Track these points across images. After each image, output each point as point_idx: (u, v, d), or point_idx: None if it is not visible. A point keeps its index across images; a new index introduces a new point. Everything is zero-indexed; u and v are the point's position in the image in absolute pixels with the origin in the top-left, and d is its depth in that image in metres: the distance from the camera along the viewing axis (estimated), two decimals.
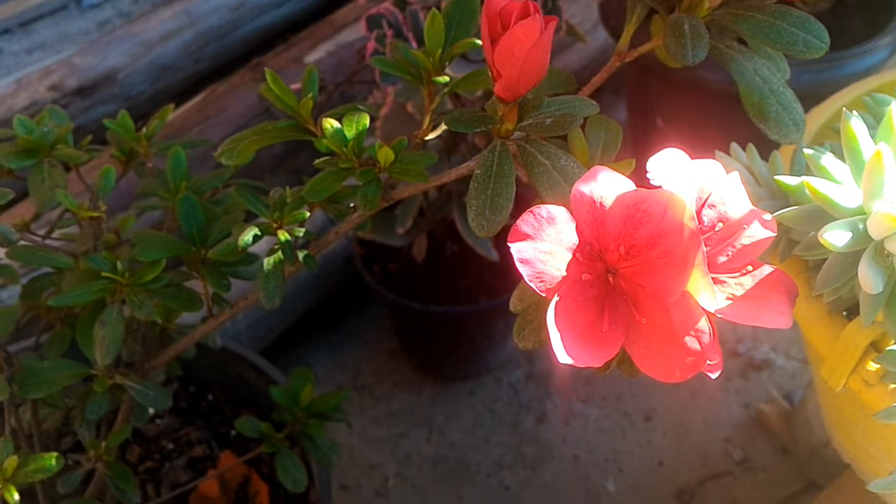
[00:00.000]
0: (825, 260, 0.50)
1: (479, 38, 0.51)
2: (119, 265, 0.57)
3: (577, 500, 1.13)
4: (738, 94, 0.53)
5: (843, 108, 0.47)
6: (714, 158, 0.58)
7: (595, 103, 0.49)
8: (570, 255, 0.44)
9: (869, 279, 0.43)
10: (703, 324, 0.43)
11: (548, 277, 0.44)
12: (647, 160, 0.48)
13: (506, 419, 1.21)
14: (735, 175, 0.46)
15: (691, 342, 0.43)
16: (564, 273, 0.44)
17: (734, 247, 0.46)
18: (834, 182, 0.47)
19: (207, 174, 0.65)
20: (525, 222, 0.43)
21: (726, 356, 1.26)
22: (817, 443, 1.03)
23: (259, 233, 0.55)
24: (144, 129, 0.67)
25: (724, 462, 1.15)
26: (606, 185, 0.44)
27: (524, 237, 0.43)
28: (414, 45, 0.89)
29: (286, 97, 0.55)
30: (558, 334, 0.42)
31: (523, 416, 1.22)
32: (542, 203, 0.45)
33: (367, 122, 0.54)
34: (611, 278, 0.45)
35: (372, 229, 1.11)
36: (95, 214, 0.59)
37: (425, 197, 1.11)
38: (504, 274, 1.14)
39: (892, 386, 0.52)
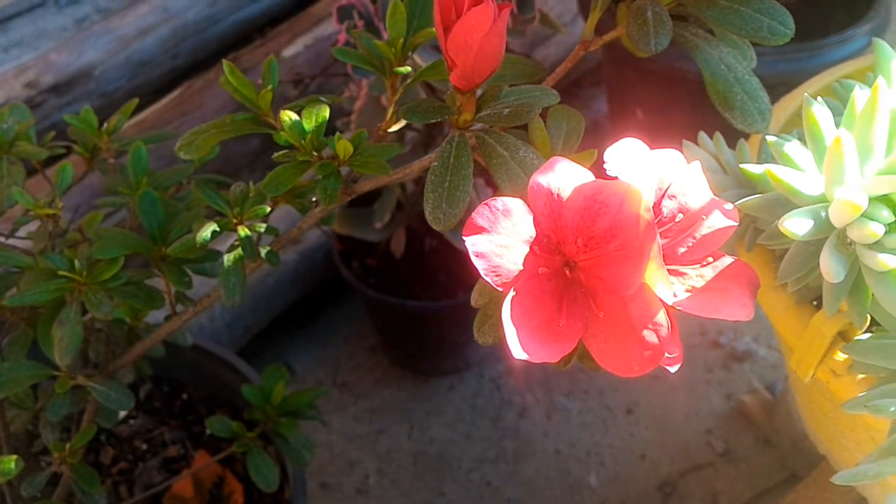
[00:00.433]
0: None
1: None
2: (77, 264, 0.56)
3: (558, 494, 1.12)
4: None
5: (805, 95, 0.47)
6: (682, 147, 0.58)
7: (555, 93, 0.48)
8: (526, 249, 0.43)
9: (830, 268, 0.42)
10: (662, 317, 0.42)
11: (504, 271, 0.43)
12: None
13: (487, 414, 1.21)
14: (696, 165, 0.46)
15: (649, 336, 0.42)
16: (521, 267, 0.43)
17: (694, 237, 0.45)
18: (797, 170, 0.46)
19: (170, 169, 0.64)
20: (480, 215, 0.42)
21: (708, 347, 1.26)
22: (798, 434, 1.02)
23: (217, 228, 0.54)
24: (105, 125, 0.66)
25: (706, 454, 1.15)
26: (564, 176, 0.44)
27: (479, 230, 0.43)
28: (385, 35, 0.88)
29: (244, 89, 0.54)
30: (514, 329, 0.42)
31: (505, 410, 1.21)
32: (502, 195, 0.44)
33: (327, 114, 0.53)
34: (569, 272, 0.45)
35: (349, 224, 1.10)
36: (51, 212, 0.58)
37: (403, 191, 1.10)
38: None
39: (861, 376, 0.51)
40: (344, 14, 0.89)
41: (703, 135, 0.59)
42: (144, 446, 0.91)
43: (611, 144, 0.46)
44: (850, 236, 0.42)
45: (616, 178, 0.43)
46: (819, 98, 0.48)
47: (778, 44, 0.50)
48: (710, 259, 0.45)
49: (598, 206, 0.43)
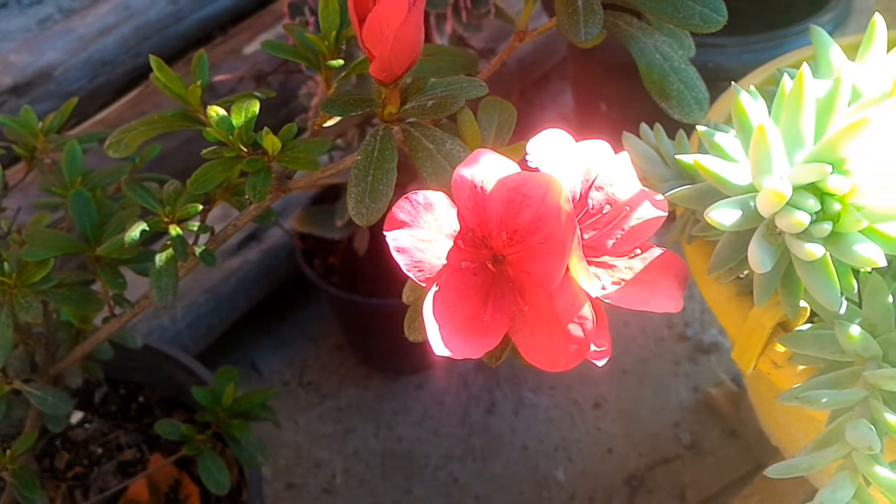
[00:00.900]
0: None
1: None
2: (7, 266, 0.55)
3: (526, 490, 1.12)
4: None
5: (733, 83, 0.46)
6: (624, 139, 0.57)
7: (483, 84, 0.48)
8: (450, 243, 0.43)
9: (757, 258, 0.41)
10: (587, 310, 0.41)
11: (427, 266, 0.42)
12: None
13: (455, 411, 1.20)
14: (624, 156, 0.45)
15: (575, 329, 0.41)
16: (445, 261, 0.42)
17: (623, 229, 0.44)
18: (728, 160, 0.46)
19: (106, 169, 0.63)
20: (401, 209, 0.42)
21: (675, 340, 1.25)
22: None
23: (147, 228, 0.53)
24: (40, 125, 0.65)
25: (674, 446, 1.15)
26: (489, 169, 0.43)
27: (400, 225, 0.42)
28: None
29: (173, 85, 0.53)
30: (435, 325, 0.41)
31: (472, 407, 1.21)
32: (428, 189, 0.43)
33: (256, 109, 0.52)
34: (497, 265, 0.44)
35: (310, 222, 1.09)
36: None
37: None
38: None
39: (801, 367, 0.51)
40: (295, 10, 0.88)
41: (644, 126, 0.58)
42: (100, 450, 0.89)
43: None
44: (778, 226, 0.41)
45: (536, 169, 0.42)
46: (752, 86, 0.48)
47: (710, 31, 0.50)
48: (639, 251, 0.44)
49: (522, 199, 0.42)
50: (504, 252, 0.44)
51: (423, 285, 0.42)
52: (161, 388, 0.93)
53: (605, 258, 0.44)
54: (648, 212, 0.44)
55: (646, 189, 0.45)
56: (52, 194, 0.63)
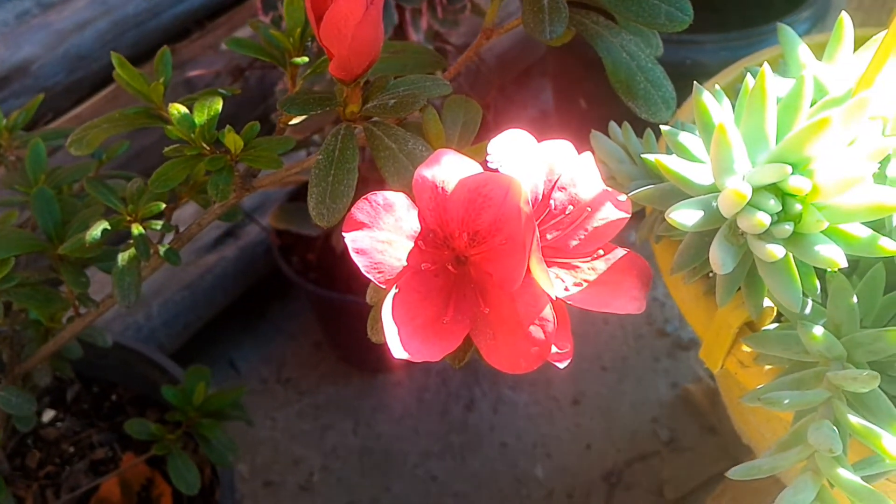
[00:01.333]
0: None
1: None
2: None
3: (505, 487, 1.12)
4: None
5: (695, 83, 0.46)
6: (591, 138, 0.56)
7: (447, 83, 0.47)
8: (411, 244, 0.42)
9: (719, 258, 0.41)
10: (548, 312, 0.41)
11: (386, 268, 0.42)
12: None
13: (434, 408, 1.20)
14: (587, 155, 0.45)
15: (536, 331, 0.41)
16: (405, 263, 0.42)
17: (586, 230, 0.44)
18: (693, 159, 0.45)
19: (71, 166, 0.62)
20: (360, 210, 0.41)
21: (654, 336, 1.25)
22: None
23: (108, 227, 0.52)
24: (5, 121, 0.64)
25: (652, 442, 1.15)
26: (450, 169, 0.42)
27: (360, 226, 0.41)
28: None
29: (135, 82, 0.53)
30: (395, 328, 0.40)
31: (452, 404, 1.20)
32: (390, 189, 0.43)
33: (220, 106, 0.51)
34: (459, 267, 0.43)
35: (286, 219, 1.08)
36: None
37: None
38: None
39: (767, 367, 0.51)
40: (268, 5, 0.87)
41: (613, 124, 0.58)
42: (72, 449, 0.88)
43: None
44: (740, 226, 0.41)
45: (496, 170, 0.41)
46: (717, 86, 0.47)
47: (676, 30, 0.49)
48: (602, 251, 0.44)
49: (483, 200, 0.41)
50: (466, 253, 0.43)
51: (384, 287, 0.42)
52: (134, 386, 0.92)
53: (568, 259, 0.44)
54: (611, 212, 0.44)
55: (609, 189, 0.44)
56: (16, 192, 0.63)
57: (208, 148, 0.50)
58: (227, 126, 0.49)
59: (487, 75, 1.12)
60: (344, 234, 0.41)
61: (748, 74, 0.43)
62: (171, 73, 1.31)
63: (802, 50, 0.52)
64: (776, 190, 0.41)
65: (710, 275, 0.52)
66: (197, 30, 1.43)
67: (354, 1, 0.39)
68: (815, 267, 0.42)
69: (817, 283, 0.45)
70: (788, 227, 0.40)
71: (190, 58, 1.30)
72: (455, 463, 1.14)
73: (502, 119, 1.15)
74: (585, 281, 0.43)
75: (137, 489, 0.86)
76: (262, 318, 1.29)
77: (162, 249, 0.55)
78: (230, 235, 1.19)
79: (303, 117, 0.55)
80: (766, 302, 0.49)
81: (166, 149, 0.51)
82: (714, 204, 0.42)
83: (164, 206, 0.53)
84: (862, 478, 0.43)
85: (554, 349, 0.42)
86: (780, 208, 0.40)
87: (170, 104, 0.51)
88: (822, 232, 0.40)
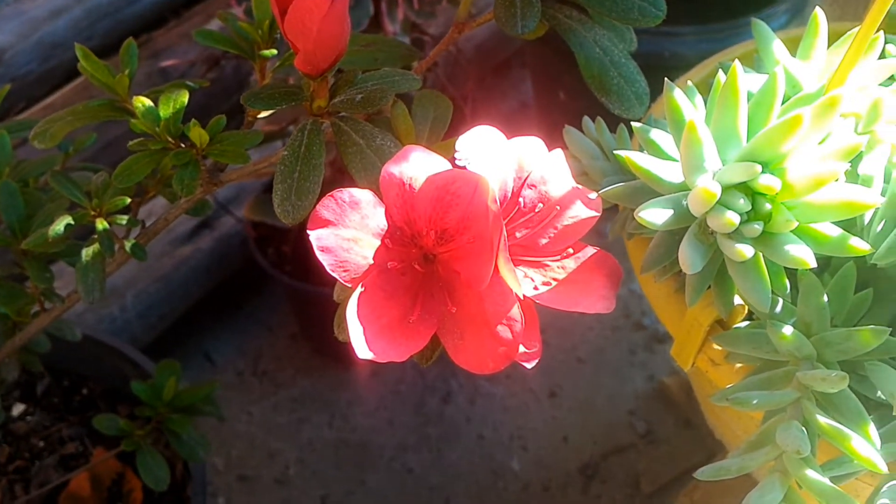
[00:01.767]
0: None
1: None
2: None
3: (481, 479, 1.12)
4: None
5: (666, 79, 0.45)
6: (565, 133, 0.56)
7: (417, 77, 0.46)
8: (377, 242, 0.42)
9: (688, 258, 0.41)
10: (516, 311, 0.40)
11: (352, 266, 0.41)
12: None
13: (410, 400, 1.19)
14: (558, 153, 0.44)
15: (503, 331, 0.40)
16: (371, 261, 0.41)
17: (556, 228, 0.43)
18: (664, 157, 0.45)
19: (37, 159, 0.61)
20: (325, 207, 0.40)
21: (631, 329, 1.25)
22: None
23: (72, 222, 0.51)
24: None
25: (628, 435, 1.15)
26: (418, 166, 0.42)
27: (325, 223, 0.41)
28: None
29: (100, 74, 0.52)
30: (359, 328, 0.40)
31: (428, 396, 1.20)
32: (358, 186, 0.42)
33: (185, 99, 0.50)
34: (422, 266, 0.43)
35: (261, 211, 1.07)
36: None
37: None
38: None
39: (738, 366, 0.50)
40: None
41: (587, 120, 0.57)
42: (42, 444, 0.87)
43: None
44: (710, 225, 0.41)
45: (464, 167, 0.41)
46: (689, 82, 0.47)
47: (649, 26, 0.49)
48: (572, 250, 0.43)
49: (451, 197, 0.41)
50: (433, 252, 0.42)
51: (349, 286, 0.41)
52: (105, 380, 0.91)
53: (538, 257, 0.43)
54: (582, 210, 0.43)
55: (580, 187, 0.44)
56: None
57: (173, 142, 0.49)
58: (193, 120, 0.48)
59: (465, 66, 1.11)
60: (308, 231, 0.40)
61: (720, 70, 0.43)
62: (147, 62, 1.30)
63: (777, 45, 0.51)
64: (746, 189, 0.40)
65: (681, 273, 0.52)
66: (173, 18, 1.41)
67: None
68: (788, 266, 0.42)
69: (787, 282, 0.44)
70: (758, 227, 0.40)
71: (166, 47, 1.28)
72: (431, 455, 1.14)
73: (480, 111, 1.14)
74: (555, 280, 0.43)
75: (108, 484, 0.85)
76: (238, 310, 1.28)
77: (128, 245, 0.54)
78: (205, 227, 1.18)
79: (273, 111, 0.54)
80: (738, 300, 0.48)
81: (131, 143, 0.50)
82: (684, 202, 0.42)
83: (129, 200, 0.52)
84: (831, 478, 0.43)
85: (522, 349, 0.42)
86: (750, 207, 0.40)
87: (134, 97, 0.50)
88: (792, 231, 0.40)
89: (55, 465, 0.86)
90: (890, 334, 0.44)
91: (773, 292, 0.43)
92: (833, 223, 0.42)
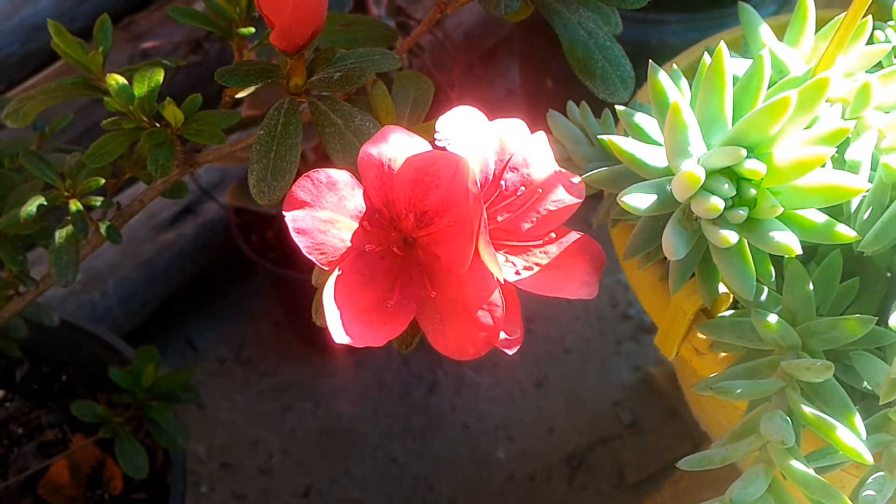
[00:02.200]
0: None
1: None
2: None
3: (465, 469, 1.11)
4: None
5: (651, 62, 0.44)
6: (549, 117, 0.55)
7: (397, 56, 0.45)
8: (355, 224, 0.41)
9: (671, 244, 0.40)
10: (497, 297, 0.39)
11: (329, 249, 0.40)
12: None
13: (395, 390, 1.18)
14: (540, 135, 0.43)
15: (484, 316, 0.39)
16: (349, 244, 0.40)
17: (538, 212, 0.43)
18: (649, 141, 0.44)
19: (9, 140, 0.60)
20: (301, 188, 0.39)
21: (618, 319, 1.25)
22: None
23: (45, 202, 0.50)
24: None
25: (614, 426, 1.14)
26: (397, 147, 0.41)
27: (301, 205, 0.40)
28: None
29: (73, 52, 0.50)
30: (336, 312, 0.39)
31: (413, 385, 1.19)
32: (336, 167, 0.41)
33: (161, 78, 0.49)
34: (406, 249, 0.42)
35: (244, 196, 1.05)
36: None
37: (304, 160, 1.06)
38: None
39: (722, 355, 0.50)
40: None
41: (571, 104, 0.56)
42: (20, 430, 0.86)
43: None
44: (694, 210, 0.40)
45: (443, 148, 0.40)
46: (675, 66, 0.46)
47: (635, 8, 0.48)
48: (555, 235, 0.43)
49: (430, 179, 0.40)
50: (413, 235, 0.42)
51: (326, 269, 0.40)
52: (85, 366, 0.90)
53: (520, 242, 0.42)
54: (564, 195, 0.42)
55: (562, 170, 0.43)
56: None
57: (147, 121, 0.48)
58: (168, 98, 0.47)
59: (453, 53, 1.10)
60: (284, 212, 0.39)
61: (705, 53, 0.42)
62: (129, 44, 1.27)
63: (764, 30, 0.51)
64: (731, 174, 0.39)
65: (666, 260, 0.51)
66: (157, 0, 1.39)
67: None
68: (773, 253, 0.41)
69: (772, 269, 0.44)
70: (743, 212, 0.39)
71: (149, 28, 1.26)
72: (416, 445, 1.13)
73: (467, 97, 1.13)
74: (537, 265, 0.42)
75: (87, 472, 0.84)
76: (221, 297, 1.27)
77: (103, 227, 0.53)
78: (188, 212, 1.17)
79: (250, 90, 0.53)
80: (723, 288, 0.48)
81: (104, 121, 0.48)
82: (668, 188, 0.41)
83: (103, 181, 0.51)
84: (816, 469, 0.42)
85: (503, 335, 0.41)
86: (735, 193, 0.39)
87: (108, 74, 0.48)
88: (777, 217, 0.39)
89: (34, 452, 0.85)
90: (877, 323, 0.44)
91: (757, 280, 0.42)
92: (819, 211, 0.42)
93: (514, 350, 0.41)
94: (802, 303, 0.45)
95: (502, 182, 0.42)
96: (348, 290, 0.40)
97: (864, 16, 0.45)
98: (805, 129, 0.41)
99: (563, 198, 0.43)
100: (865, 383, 0.45)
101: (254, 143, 0.42)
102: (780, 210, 0.38)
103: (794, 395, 0.42)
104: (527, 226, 0.43)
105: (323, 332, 1.21)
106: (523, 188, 0.42)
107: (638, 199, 0.40)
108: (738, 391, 0.42)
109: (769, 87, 0.43)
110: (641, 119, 0.44)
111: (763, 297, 0.46)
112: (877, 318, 0.43)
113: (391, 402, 1.17)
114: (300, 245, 0.40)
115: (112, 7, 1.46)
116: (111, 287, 1.11)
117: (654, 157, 0.42)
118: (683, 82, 0.47)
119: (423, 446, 1.13)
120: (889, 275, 0.49)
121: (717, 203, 0.38)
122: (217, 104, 0.61)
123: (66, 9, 1.42)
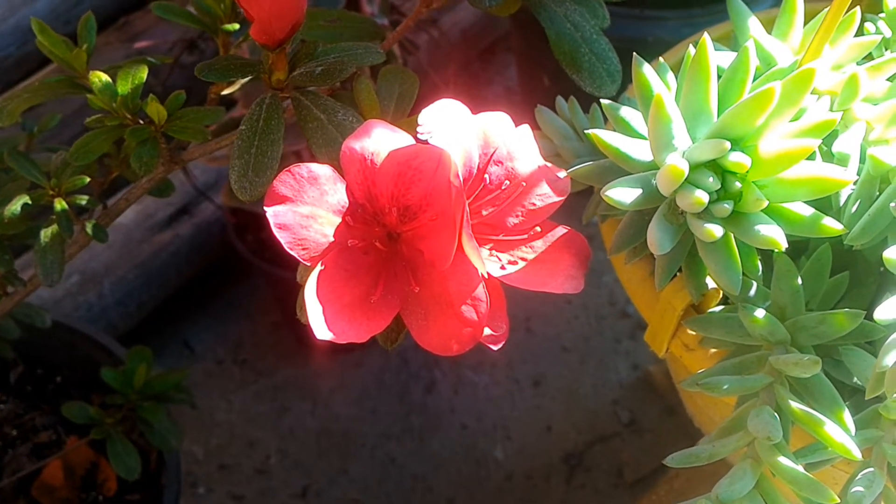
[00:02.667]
0: None
1: None
2: None
3: (464, 469, 1.11)
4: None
5: (635, 55, 0.44)
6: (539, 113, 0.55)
7: (380, 51, 0.45)
8: (338, 219, 0.40)
9: (656, 238, 0.39)
10: (481, 292, 0.39)
11: (311, 244, 0.40)
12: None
13: (393, 389, 1.18)
14: (525, 128, 0.43)
15: (468, 311, 0.39)
16: (332, 239, 0.40)
17: (523, 206, 0.42)
18: (635, 135, 0.44)
19: None
20: (283, 183, 0.39)
21: (616, 318, 1.24)
22: None
23: (30, 201, 0.49)
24: None
25: (612, 424, 1.14)
26: (380, 141, 0.40)
27: (282, 200, 0.39)
28: None
29: (57, 49, 0.50)
30: (318, 308, 0.39)
31: (412, 385, 1.19)
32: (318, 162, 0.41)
33: (145, 75, 0.49)
34: (389, 244, 0.41)
35: (237, 196, 1.05)
36: None
37: (299, 159, 1.06)
38: None
39: (712, 350, 0.49)
40: None
41: (560, 99, 0.56)
42: (14, 432, 0.86)
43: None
44: (679, 205, 0.39)
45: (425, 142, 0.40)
46: (661, 59, 0.46)
47: (619, 1, 0.47)
48: (540, 229, 0.42)
49: (413, 173, 0.40)
50: (396, 230, 0.41)
51: (308, 264, 0.40)
52: (79, 367, 0.89)
53: (505, 236, 0.42)
54: (549, 189, 0.42)
55: (548, 164, 0.42)
56: None
57: (131, 118, 0.48)
58: (151, 95, 0.47)
59: (449, 51, 1.10)
60: (265, 208, 0.39)
61: (690, 46, 0.41)
62: (124, 45, 1.27)
63: (752, 22, 0.50)
64: (715, 167, 0.39)
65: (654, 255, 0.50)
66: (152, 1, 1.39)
67: None
68: (759, 247, 0.41)
69: (760, 264, 0.43)
70: (728, 206, 0.39)
71: (145, 28, 1.26)
72: (414, 445, 1.13)
73: (464, 95, 1.13)
74: (522, 259, 0.42)
75: (81, 473, 0.84)
76: (218, 298, 1.26)
77: (89, 226, 0.52)
78: (185, 213, 1.17)
79: (237, 86, 0.52)
80: (712, 284, 0.47)
81: (88, 119, 0.48)
82: (653, 182, 0.40)
83: (88, 179, 0.51)
84: (805, 466, 0.42)
85: (487, 330, 0.40)
86: (720, 186, 0.39)
87: (91, 72, 0.48)
88: (763, 211, 0.39)
89: (28, 454, 0.85)
90: (865, 318, 0.43)
91: (744, 274, 0.42)
92: (807, 204, 0.41)
93: (500, 345, 0.40)
94: (791, 297, 0.44)
95: (486, 176, 0.42)
96: (331, 285, 0.39)
97: (853, 7, 0.45)
98: (791, 121, 0.40)
99: (547, 192, 0.42)
100: (855, 378, 0.44)
101: (235, 139, 0.42)
102: (766, 203, 0.38)
103: (783, 391, 0.42)
104: (512, 220, 0.42)
105: None
106: (508, 182, 0.42)
107: (622, 194, 0.39)
108: (725, 387, 0.42)
109: (756, 80, 0.42)
110: (627, 113, 0.44)
111: (752, 291, 0.45)
112: (865, 312, 0.43)
113: (389, 402, 1.17)
114: (281, 240, 0.39)
115: (108, 10, 1.46)
116: (107, 288, 1.11)
117: (639, 150, 0.41)
118: (670, 76, 0.46)
119: (421, 446, 1.12)
120: (882, 269, 0.49)
121: (702, 196, 0.38)
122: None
123: (62, 11, 1.42)
